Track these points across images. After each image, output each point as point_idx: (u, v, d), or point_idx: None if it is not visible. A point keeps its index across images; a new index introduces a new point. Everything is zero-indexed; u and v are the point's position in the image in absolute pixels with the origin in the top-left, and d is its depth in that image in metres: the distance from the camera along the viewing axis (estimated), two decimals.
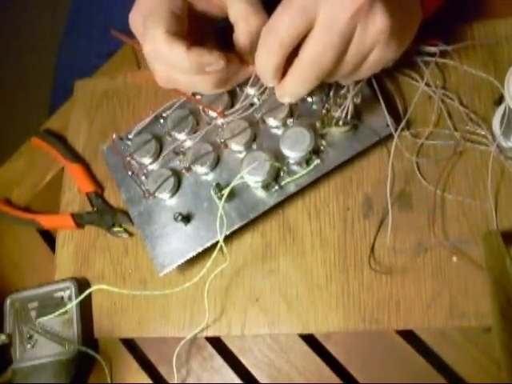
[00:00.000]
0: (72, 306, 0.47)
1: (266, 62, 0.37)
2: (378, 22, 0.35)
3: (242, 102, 0.45)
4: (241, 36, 0.42)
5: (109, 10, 0.67)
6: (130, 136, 0.49)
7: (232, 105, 0.47)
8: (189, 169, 0.46)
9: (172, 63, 0.40)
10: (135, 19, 0.42)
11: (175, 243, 0.45)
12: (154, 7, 0.40)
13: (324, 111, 0.43)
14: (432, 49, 0.44)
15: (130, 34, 0.44)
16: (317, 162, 0.43)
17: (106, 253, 0.49)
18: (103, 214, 0.50)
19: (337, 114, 0.42)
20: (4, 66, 1.39)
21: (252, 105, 0.45)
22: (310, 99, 0.45)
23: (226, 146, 0.45)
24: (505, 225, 0.40)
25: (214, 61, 0.40)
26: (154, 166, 0.47)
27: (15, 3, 1.45)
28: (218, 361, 0.45)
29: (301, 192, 0.44)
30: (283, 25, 0.35)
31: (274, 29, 0.36)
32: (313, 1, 0.34)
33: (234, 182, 0.42)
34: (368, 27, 0.35)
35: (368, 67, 0.38)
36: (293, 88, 0.39)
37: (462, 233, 0.41)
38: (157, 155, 0.47)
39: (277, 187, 0.43)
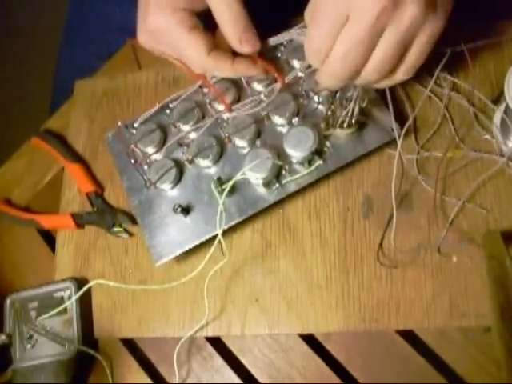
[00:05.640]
0: (71, 302, 0.46)
1: (313, 63, 0.40)
2: (410, 11, 0.35)
3: (251, 97, 0.45)
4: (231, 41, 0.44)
5: (108, 10, 0.67)
6: (136, 124, 0.49)
7: (239, 99, 0.47)
8: (191, 161, 0.46)
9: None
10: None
11: (173, 234, 0.45)
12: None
13: (329, 112, 0.43)
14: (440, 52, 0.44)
15: (129, 33, 0.44)
16: (319, 162, 0.43)
17: (105, 253, 0.49)
18: (103, 213, 0.50)
19: (342, 116, 0.42)
20: (4, 66, 1.39)
21: (259, 101, 0.45)
22: (316, 99, 0.45)
23: (230, 140, 0.46)
24: (505, 225, 0.40)
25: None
26: (158, 156, 0.47)
27: (15, 3, 1.45)
28: (218, 361, 0.45)
29: (301, 192, 0.44)
30: (320, 38, 0.37)
31: (312, 42, 0.38)
32: (342, 10, 0.35)
33: (236, 178, 0.42)
34: (401, 18, 0.35)
35: (419, 50, 0.38)
36: (326, 81, 0.40)
37: (461, 233, 0.41)
38: (161, 145, 0.47)
39: (277, 185, 0.43)
